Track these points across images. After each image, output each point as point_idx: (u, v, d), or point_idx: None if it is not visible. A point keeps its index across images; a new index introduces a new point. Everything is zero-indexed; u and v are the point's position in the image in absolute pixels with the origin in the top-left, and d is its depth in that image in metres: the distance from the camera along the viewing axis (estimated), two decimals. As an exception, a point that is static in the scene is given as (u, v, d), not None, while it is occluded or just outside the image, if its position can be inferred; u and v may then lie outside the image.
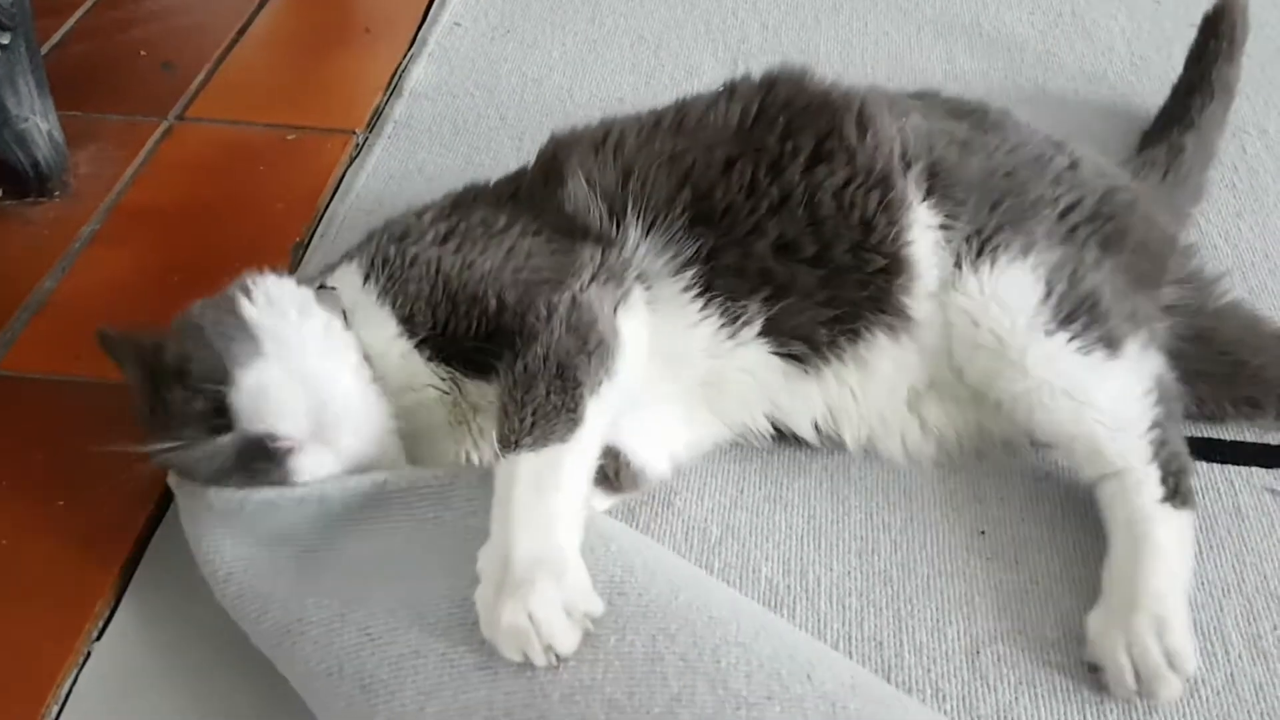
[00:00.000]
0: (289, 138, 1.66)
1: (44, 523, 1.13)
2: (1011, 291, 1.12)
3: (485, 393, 1.09)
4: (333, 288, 1.12)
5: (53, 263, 1.42)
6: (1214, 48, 1.57)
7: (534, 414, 0.98)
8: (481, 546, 0.92)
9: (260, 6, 1.95)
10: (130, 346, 1.09)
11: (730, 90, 1.22)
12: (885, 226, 1.13)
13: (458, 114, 1.72)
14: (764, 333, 1.14)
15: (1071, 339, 1.11)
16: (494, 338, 1.06)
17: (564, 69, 1.82)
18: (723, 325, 1.13)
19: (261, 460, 1.00)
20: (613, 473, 1.12)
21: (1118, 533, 1.07)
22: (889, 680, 1.00)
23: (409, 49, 1.86)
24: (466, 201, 1.23)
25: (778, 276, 1.13)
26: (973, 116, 1.28)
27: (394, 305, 1.09)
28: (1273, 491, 1.16)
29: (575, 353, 1.01)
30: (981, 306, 1.12)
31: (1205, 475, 1.18)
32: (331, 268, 1.17)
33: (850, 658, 1.02)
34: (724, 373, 1.15)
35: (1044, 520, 1.14)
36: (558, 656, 0.86)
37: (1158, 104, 1.69)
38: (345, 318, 1.10)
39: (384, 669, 0.90)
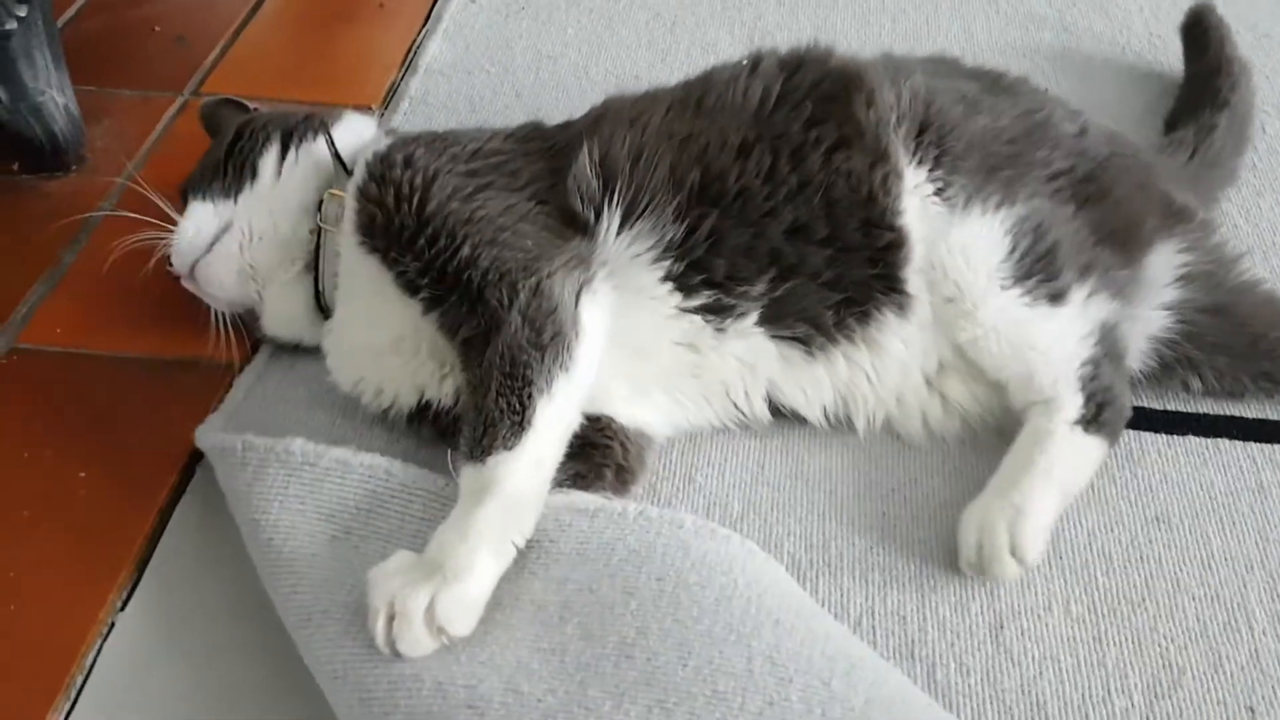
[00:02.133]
0: (305, 113, 1.65)
1: (66, 494, 1.13)
2: (979, 245, 1.13)
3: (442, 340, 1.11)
4: (332, 141, 1.23)
5: (70, 237, 1.42)
6: (1214, 34, 1.58)
7: (484, 421, 0.98)
8: None
9: (273, -17, 1.94)
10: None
11: (754, 65, 1.21)
12: (884, 198, 1.13)
13: (473, 91, 1.71)
14: (765, 319, 1.13)
15: (1023, 294, 1.13)
16: (462, 297, 1.07)
17: (579, 46, 1.81)
18: (712, 313, 1.12)
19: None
20: (621, 457, 1.11)
21: (1020, 442, 1.11)
22: (913, 656, 1.00)
23: (424, 25, 1.85)
24: (518, 137, 1.23)
25: (788, 256, 1.12)
26: (987, 78, 1.29)
27: (360, 213, 1.11)
28: (1296, 468, 1.16)
29: (529, 346, 1.01)
30: (951, 258, 1.13)
31: (1228, 452, 1.18)
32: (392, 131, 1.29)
33: (874, 632, 1.02)
34: (711, 362, 1.14)
35: (1083, 496, 1.13)
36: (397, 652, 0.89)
37: (1175, 81, 1.69)
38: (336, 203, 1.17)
39: (381, 686, 0.89)
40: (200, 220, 1.20)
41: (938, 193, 1.14)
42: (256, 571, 1.03)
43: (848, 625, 1.02)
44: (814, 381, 1.16)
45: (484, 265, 1.06)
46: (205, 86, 1.70)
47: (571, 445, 1.06)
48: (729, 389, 1.16)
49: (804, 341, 1.14)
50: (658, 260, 1.11)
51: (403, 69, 1.75)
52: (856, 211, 1.12)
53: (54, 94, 1.49)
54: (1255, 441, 1.19)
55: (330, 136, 1.23)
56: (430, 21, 1.86)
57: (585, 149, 1.15)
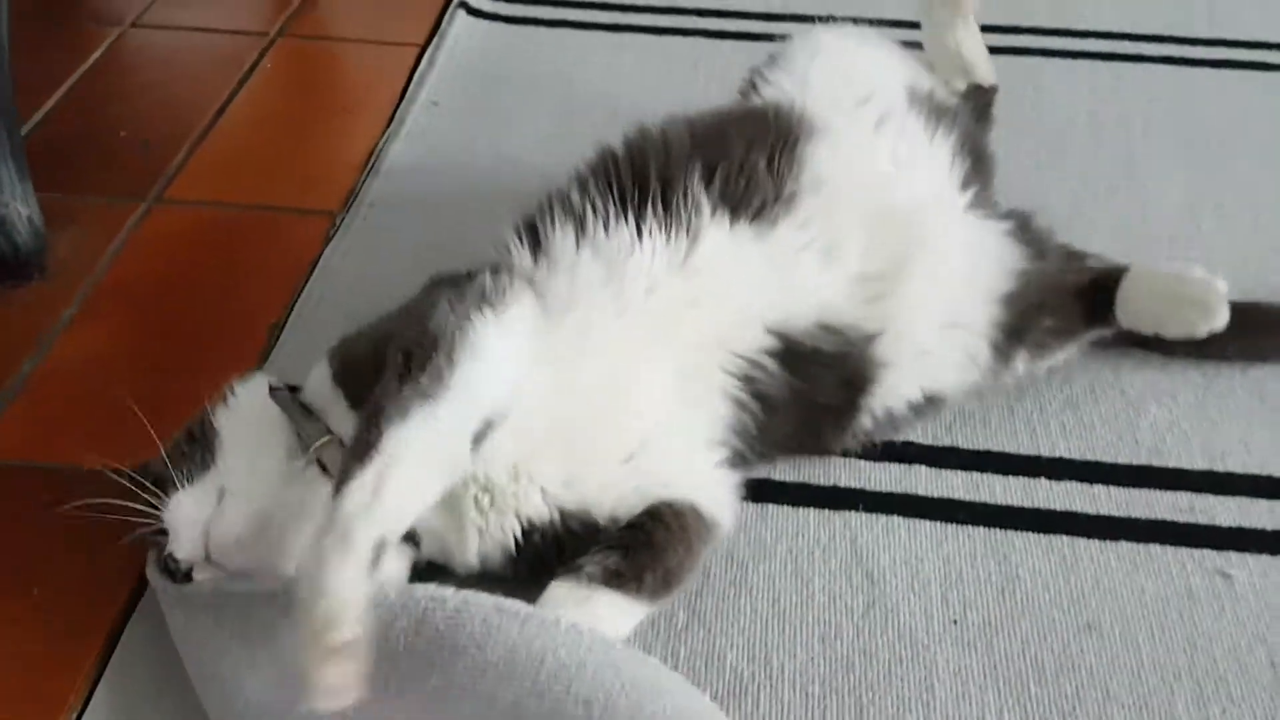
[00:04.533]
0: (266, 218, 1.68)
1: (19, 612, 1.14)
2: None
3: None
4: (291, 387, 1.15)
5: (30, 347, 1.44)
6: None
7: (344, 456, 0.96)
8: None
9: (241, 84, 1.99)
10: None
11: None
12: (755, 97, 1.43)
13: (433, 193, 1.75)
14: (720, 205, 1.19)
15: None
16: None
17: (539, 147, 1.85)
18: (673, 228, 1.16)
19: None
20: (675, 562, 1.08)
21: None
22: (850, 769, 1.02)
23: (386, 127, 1.89)
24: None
25: (708, 151, 1.22)
26: None
27: (344, 388, 1.10)
28: (1224, 575, 1.19)
29: (398, 379, 0.96)
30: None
31: (1158, 558, 1.21)
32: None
33: (812, 746, 1.04)
34: (698, 286, 1.16)
35: (1018, 604, 1.16)
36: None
37: (1117, 180, 1.75)
38: (305, 411, 1.11)
39: None
40: (191, 504, 1.06)
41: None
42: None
43: (786, 738, 1.04)
44: (791, 244, 1.20)
45: (392, 335, 1.05)
46: (169, 192, 1.73)
47: (627, 538, 1.08)
48: (728, 311, 1.17)
49: (765, 208, 1.20)
50: (594, 222, 1.17)
51: (365, 171, 1.79)
52: (739, 113, 1.36)
53: (18, 206, 1.51)
54: (1185, 547, 1.22)
55: (285, 387, 1.16)
56: (393, 124, 1.90)
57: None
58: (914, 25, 1.69)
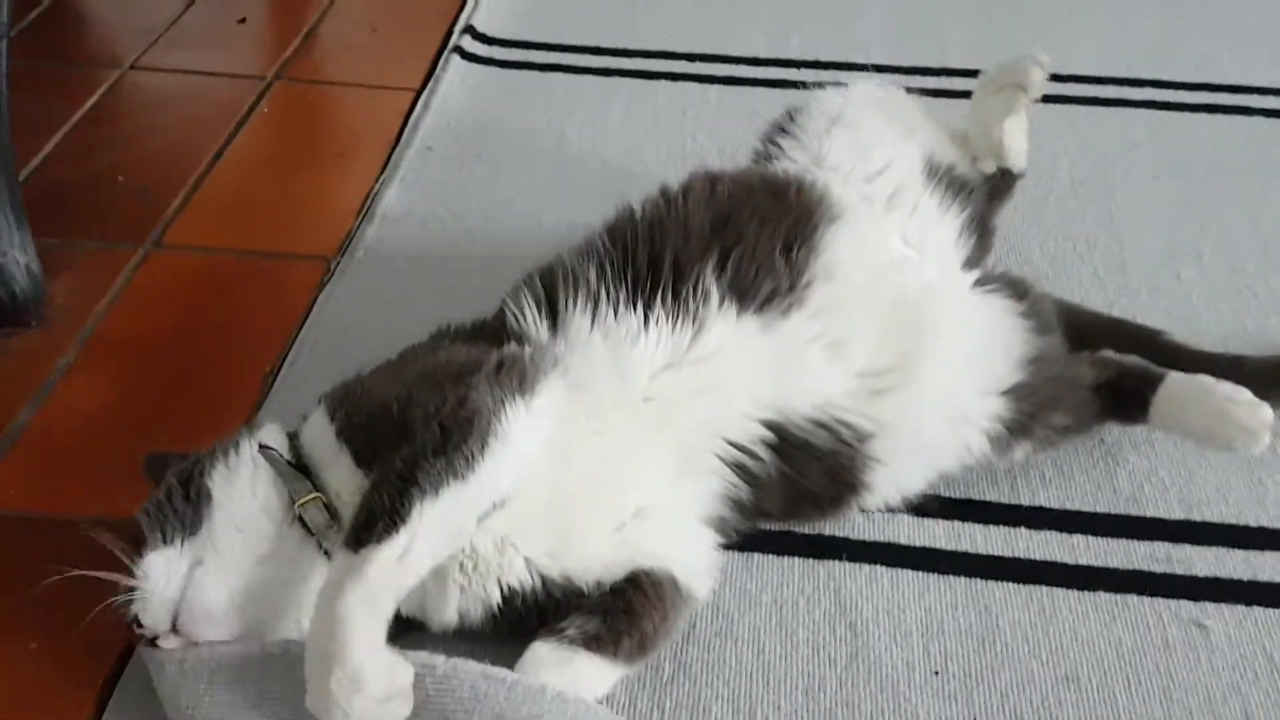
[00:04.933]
0: (262, 264, 1.71)
1: (16, 666, 1.16)
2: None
3: None
4: (270, 448, 1.14)
5: (28, 396, 1.46)
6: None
7: (367, 511, 0.99)
8: None
9: (238, 129, 2.02)
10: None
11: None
12: (778, 175, 1.39)
13: (427, 239, 1.78)
14: (728, 294, 1.21)
15: None
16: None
17: (531, 193, 1.88)
18: (681, 318, 1.19)
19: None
20: (650, 628, 1.12)
21: None
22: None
23: (381, 173, 1.92)
24: (432, 335, 1.29)
25: (724, 238, 1.24)
26: None
27: (347, 441, 1.11)
28: (1200, 625, 1.22)
29: (430, 452, 1.00)
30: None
31: (1135, 608, 1.23)
32: (305, 417, 1.20)
33: (795, 797, 1.06)
34: (704, 375, 1.19)
35: (998, 655, 1.18)
36: None
37: (1097, 230, 1.78)
38: (300, 467, 1.13)
39: None
40: (161, 570, 1.05)
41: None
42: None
43: (771, 791, 1.06)
44: (800, 338, 1.21)
45: (413, 402, 1.07)
46: (166, 237, 1.76)
47: (606, 604, 1.11)
48: (725, 403, 1.19)
49: (775, 297, 1.22)
50: (608, 307, 1.19)
51: (359, 217, 1.82)
52: (759, 190, 1.32)
53: (15, 254, 1.53)
54: (1162, 597, 1.25)
55: (268, 446, 1.15)
56: (388, 169, 1.93)
57: (506, 301, 1.25)
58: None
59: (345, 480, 1.10)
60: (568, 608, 1.12)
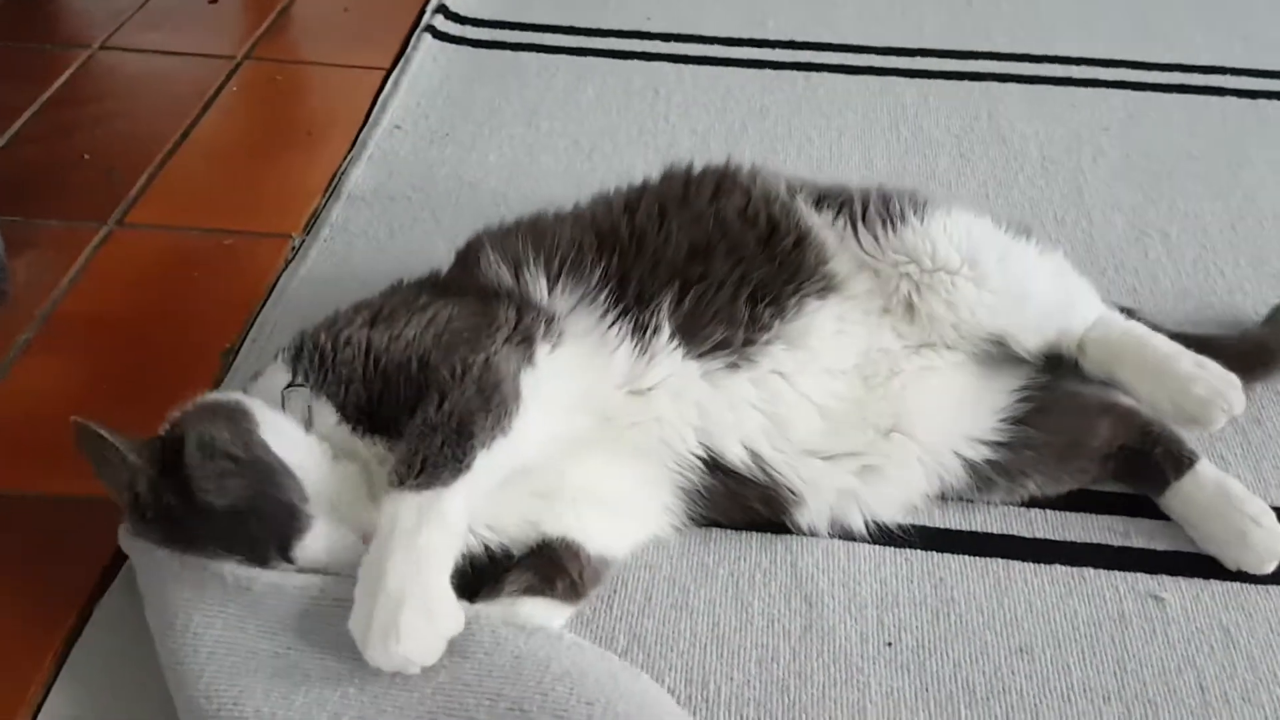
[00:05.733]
0: (225, 242, 1.70)
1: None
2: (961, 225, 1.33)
3: None
4: (301, 384, 1.17)
5: (-13, 372, 1.46)
6: None
7: (424, 460, 1.06)
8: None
9: (205, 110, 2.01)
10: (141, 469, 1.10)
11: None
12: (788, 220, 1.31)
13: (394, 217, 1.77)
14: (680, 333, 1.22)
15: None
16: (417, 399, 1.12)
17: (499, 173, 1.88)
18: (635, 341, 1.21)
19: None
20: (577, 575, 1.17)
21: (1132, 366, 1.30)
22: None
23: (349, 152, 1.91)
24: (386, 293, 1.31)
25: (690, 271, 1.24)
26: None
27: (331, 395, 1.15)
28: (1157, 598, 1.21)
29: (477, 410, 1.09)
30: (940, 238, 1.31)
31: (1091, 581, 1.23)
32: (258, 374, 1.22)
33: (745, 768, 1.06)
34: (648, 404, 1.21)
35: (951, 627, 1.18)
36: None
37: (1065, 206, 1.78)
38: (310, 412, 1.16)
39: None
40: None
41: (836, 213, 1.34)
42: (170, 692, 1.06)
43: (721, 761, 1.06)
44: (739, 397, 1.22)
45: (434, 364, 1.14)
46: (130, 216, 1.75)
47: (533, 562, 1.17)
48: (664, 431, 1.21)
49: (723, 348, 1.22)
50: (590, 303, 1.23)
51: (326, 195, 1.81)
52: (753, 232, 1.29)
53: (-22, 233, 1.53)
54: (1119, 570, 1.24)
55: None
56: (355, 148, 1.92)
57: (484, 252, 1.28)
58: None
59: (320, 423, 1.16)
60: (501, 569, 1.17)
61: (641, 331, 1.21)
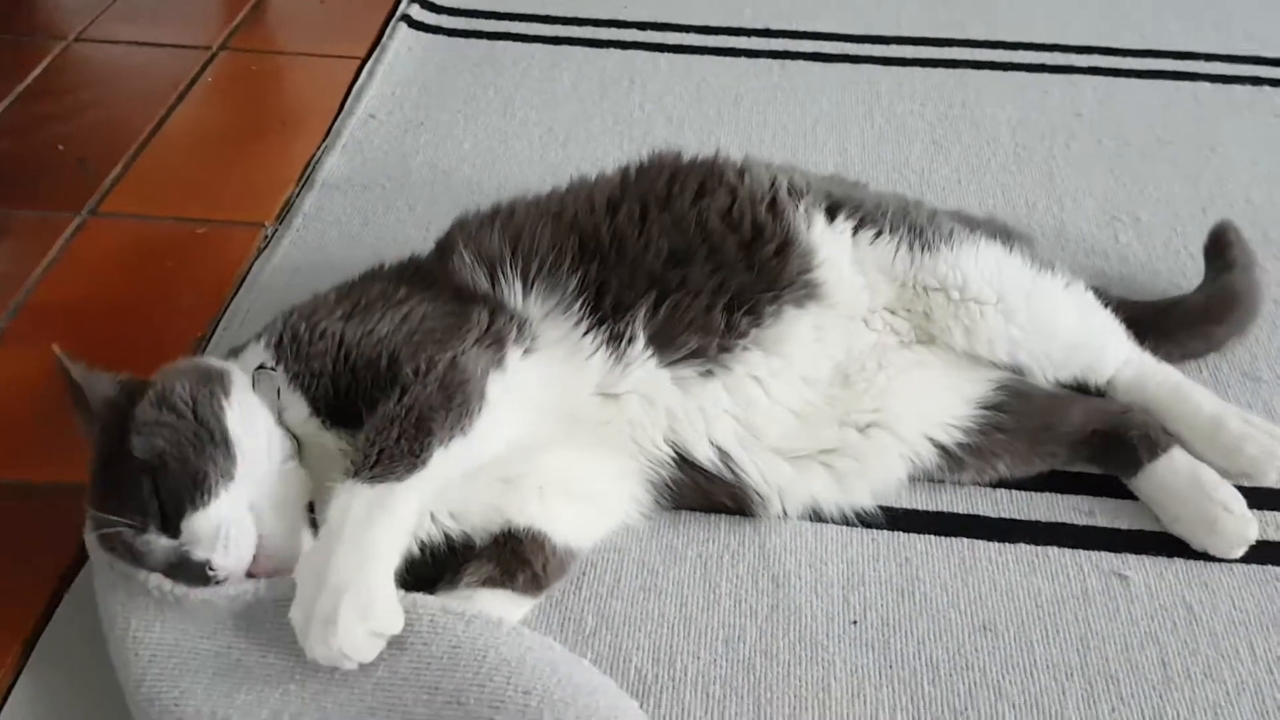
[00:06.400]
0: (199, 231, 1.70)
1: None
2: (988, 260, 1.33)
3: None
4: (272, 368, 1.17)
5: (-41, 359, 1.46)
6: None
7: (380, 452, 1.05)
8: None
9: (180, 99, 2.01)
10: (100, 405, 1.12)
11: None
12: (774, 224, 1.28)
13: (367, 206, 1.78)
14: (654, 342, 1.22)
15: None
16: (382, 394, 1.12)
17: (474, 161, 1.88)
18: (610, 351, 1.20)
19: (187, 574, 1.05)
20: (540, 567, 1.17)
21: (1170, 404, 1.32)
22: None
23: (323, 141, 1.91)
24: (367, 279, 1.31)
25: (668, 279, 1.23)
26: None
27: (304, 388, 1.15)
28: (1120, 576, 1.23)
29: (438, 407, 1.08)
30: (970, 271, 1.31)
31: (1056, 559, 1.24)
32: (237, 350, 1.23)
33: (710, 746, 1.07)
34: (620, 407, 1.22)
35: (916, 605, 1.19)
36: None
37: (1037, 192, 1.79)
38: (280, 395, 1.15)
39: None
40: (225, 520, 1.06)
41: (856, 229, 1.32)
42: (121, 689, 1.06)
43: (687, 739, 1.07)
44: (711, 402, 1.23)
45: (404, 359, 1.13)
46: (104, 206, 1.75)
47: (495, 552, 1.16)
48: (634, 431, 1.22)
49: (697, 356, 1.22)
50: (565, 311, 1.22)
51: (299, 184, 1.82)
52: (734, 236, 1.27)
53: (-52, 221, 1.53)
54: (1083, 549, 1.25)
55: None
56: (330, 137, 1.92)
57: (459, 250, 1.26)
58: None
59: (291, 415, 1.16)
60: (461, 559, 1.17)
61: (616, 341, 1.21)
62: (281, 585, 1.07)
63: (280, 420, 1.15)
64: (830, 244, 1.30)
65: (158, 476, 1.06)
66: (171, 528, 1.05)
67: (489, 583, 1.15)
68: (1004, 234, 1.42)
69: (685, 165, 1.36)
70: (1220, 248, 1.53)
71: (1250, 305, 1.48)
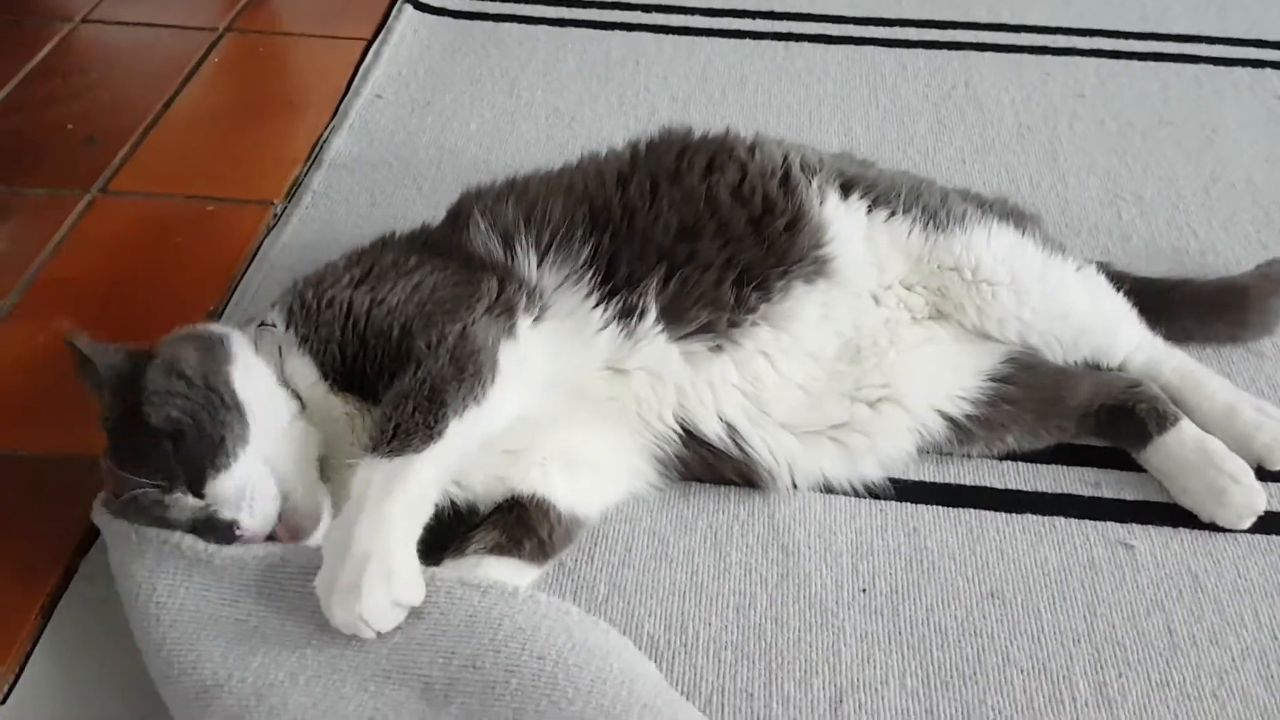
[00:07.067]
0: (208, 209, 1.71)
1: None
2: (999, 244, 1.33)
3: None
4: (273, 325, 1.19)
5: (-32, 336, 1.46)
6: None
7: (397, 427, 1.07)
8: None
9: (187, 79, 2.02)
10: (110, 374, 1.14)
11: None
12: (786, 199, 1.29)
13: (375, 185, 1.78)
14: (665, 317, 1.22)
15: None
16: (396, 366, 1.14)
17: (481, 141, 1.89)
18: (621, 325, 1.21)
19: (213, 533, 1.07)
20: (546, 534, 1.19)
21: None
22: (757, 731, 1.06)
23: (330, 120, 1.92)
24: (378, 247, 1.32)
25: (678, 253, 1.24)
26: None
27: (313, 353, 1.17)
28: (1126, 545, 1.24)
29: (450, 379, 1.10)
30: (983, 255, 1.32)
31: (1062, 529, 1.26)
32: (251, 320, 1.24)
33: (723, 710, 1.08)
34: (627, 383, 1.23)
35: (924, 573, 1.21)
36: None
37: (1041, 171, 1.80)
38: (280, 353, 1.18)
39: None
40: (248, 482, 1.09)
41: (871, 208, 1.33)
42: (141, 655, 1.07)
43: (699, 703, 1.08)
44: (720, 377, 1.24)
45: (415, 331, 1.14)
46: (113, 184, 1.76)
47: (501, 519, 1.17)
48: (641, 407, 1.23)
49: (707, 330, 1.23)
50: (576, 283, 1.22)
51: (307, 163, 1.82)
52: (744, 211, 1.27)
53: (-42, 199, 1.53)
54: (1090, 520, 1.27)
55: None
56: (337, 116, 1.93)
57: (475, 218, 1.27)
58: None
59: (300, 379, 1.17)
60: (467, 526, 1.19)
61: (628, 314, 1.22)
62: (306, 552, 1.08)
63: (283, 378, 1.17)
64: (842, 221, 1.31)
65: (176, 442, 1.08)
66: (197, 488, 1.07)
67: (496, 550, 1.16)
68: (1016, 216, 1.43)
69: (696, 141, 1.37)
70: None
71: (1257, 309, 1.48)
